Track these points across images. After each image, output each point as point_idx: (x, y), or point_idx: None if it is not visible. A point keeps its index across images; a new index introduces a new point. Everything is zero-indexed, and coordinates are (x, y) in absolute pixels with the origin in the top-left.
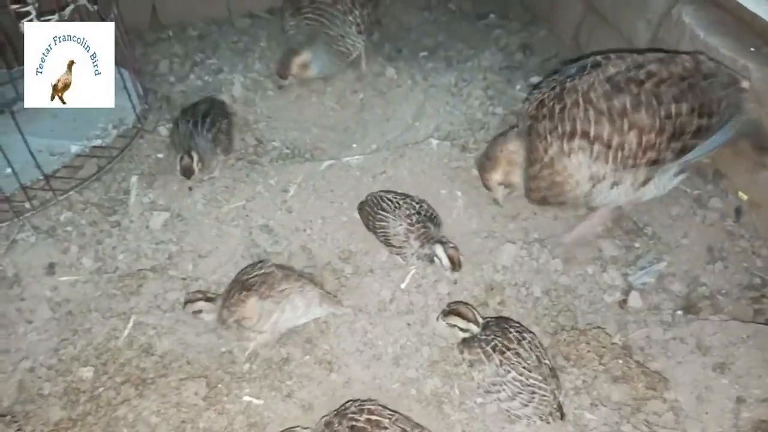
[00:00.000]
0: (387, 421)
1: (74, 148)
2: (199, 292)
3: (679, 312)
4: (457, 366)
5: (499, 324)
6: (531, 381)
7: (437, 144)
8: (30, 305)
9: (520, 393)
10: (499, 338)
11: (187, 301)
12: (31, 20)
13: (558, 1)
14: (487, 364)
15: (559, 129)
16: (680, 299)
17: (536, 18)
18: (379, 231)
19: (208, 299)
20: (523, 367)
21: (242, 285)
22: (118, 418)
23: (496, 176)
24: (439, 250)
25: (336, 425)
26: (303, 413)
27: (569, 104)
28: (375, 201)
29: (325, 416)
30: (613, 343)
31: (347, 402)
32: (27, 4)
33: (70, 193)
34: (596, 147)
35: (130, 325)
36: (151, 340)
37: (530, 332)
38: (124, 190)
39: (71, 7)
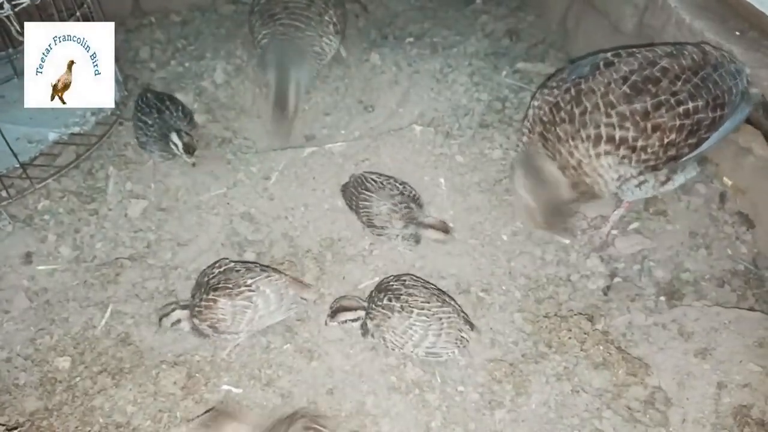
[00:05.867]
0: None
1: (52, 136)
2: (170, 304)
3: (662, 298)
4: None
5: (378, 287)
6: (433, 310)
7: (420, 130)
8: (7, 295)
9: (431, 324)
10: (386, 293)
11: (162, 316)
12: None
13: None
14: (392, 316)
15: (582, 133)
16: (663, 285)
17: (524, 4)
18: (361, 211)
19: (184, 307)
20: (421, 302)
21: (206, 287)
22: (95, 407)
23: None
24: (426, 232)
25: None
26: (282, 401)
27: (590, 107)
28: (359, 181)
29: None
30: (594, 330)
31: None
32: None
33: (48, 181)
34: (622, 151)
35: (108, 314)
36: (128, 330)
37: (407, 275)
38: (102, 177)
39: None
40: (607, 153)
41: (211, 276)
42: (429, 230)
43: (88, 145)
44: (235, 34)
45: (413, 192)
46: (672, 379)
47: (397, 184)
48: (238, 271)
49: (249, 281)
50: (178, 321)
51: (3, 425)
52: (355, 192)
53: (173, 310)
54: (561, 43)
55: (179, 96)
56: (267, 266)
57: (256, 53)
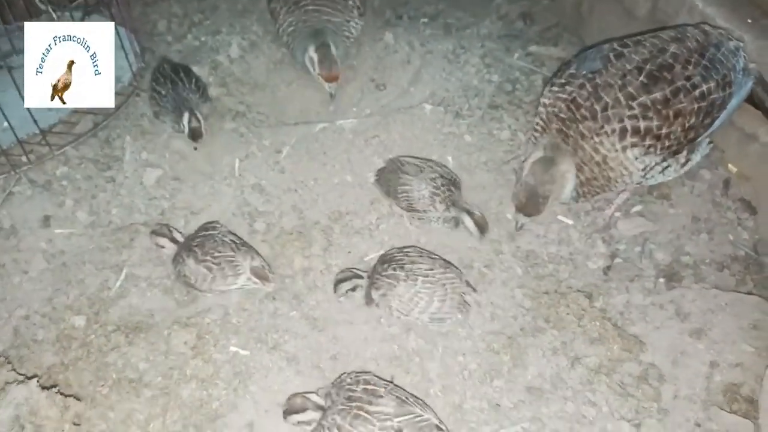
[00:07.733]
0: (382, 390)
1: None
2: (165, 226)
3: (661, 280)
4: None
5: (381, 258)
6: (437, 276)
7: (430, 109)
8: (26, 256)
9: (435, 291)
10: (390, 264)
11: (154, 232)
12: None
13: None
14: (397, 285)
15: (607, 128)
16: (663, 267)
17: None
18: (401, 195)
19: (173, 240)
20: (425, 269)
21: (188, 245)
22: (108, 363)
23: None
24: (467, 220)
25: (334, 396)
26: (288, 364)
27: (611, 102)
28: (397, 165)
29: (321, 388)
30: (592, 307)
31: (342, 374)
32: None
33: (66, 148)
34: (648, 141)
35: (123, 277)
36: (142, 291)
37: (410, 247)
38: (119, 146)
39: None
40: (633, 145)
41: (196, 235)
42: (472, 227)
43: (106, 115)
44: (251, 9)
45: (452, 174)
46: (666, 356)
47: (437, 167)
48: (215, 240)
49: (216, 254)
50: (163, 247)
51: (23, 375)
52: (393, 177)
53: (164, 235)
54: (575, 27)
55: (195, 69)
56: (245, 243)
57: (282, 42)
